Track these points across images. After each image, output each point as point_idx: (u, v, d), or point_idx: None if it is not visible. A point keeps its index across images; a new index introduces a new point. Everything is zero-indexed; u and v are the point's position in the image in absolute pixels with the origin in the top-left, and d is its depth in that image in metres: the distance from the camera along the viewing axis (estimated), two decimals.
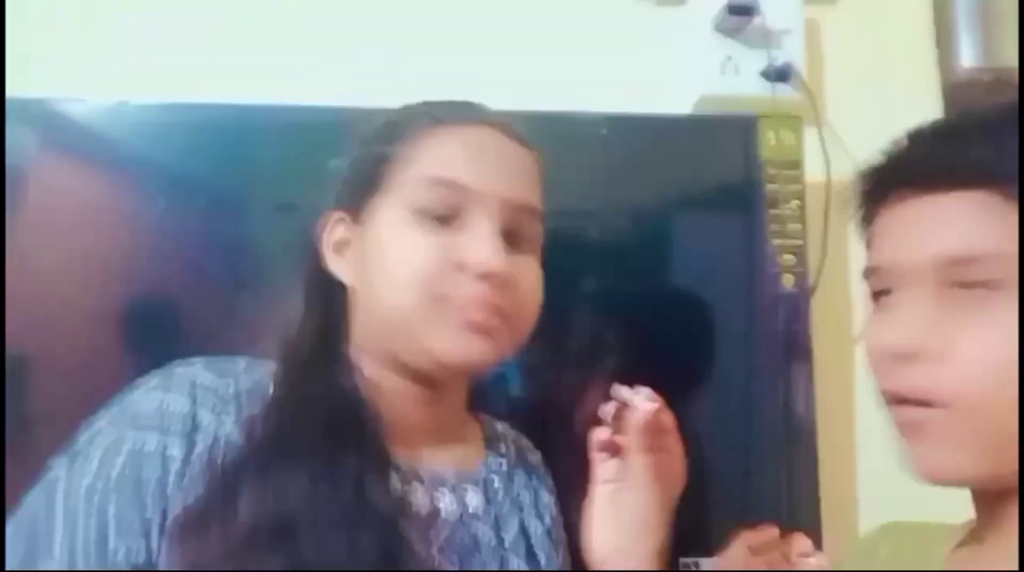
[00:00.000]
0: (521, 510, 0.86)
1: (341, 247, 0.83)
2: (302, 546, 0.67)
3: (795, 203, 1.33)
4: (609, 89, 1.40)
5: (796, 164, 1.35)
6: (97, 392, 0.76)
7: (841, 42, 1.51)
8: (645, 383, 0.81)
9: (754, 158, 1.33)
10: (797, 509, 1.29)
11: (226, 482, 0.70)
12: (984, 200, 0.58)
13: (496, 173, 0.79)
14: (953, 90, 1.49)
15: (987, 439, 0.57)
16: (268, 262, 1.20)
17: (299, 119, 1.25)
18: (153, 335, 1.19)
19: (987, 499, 0.64)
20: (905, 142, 0.65)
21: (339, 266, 0.83)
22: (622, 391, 0.81)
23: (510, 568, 0.81)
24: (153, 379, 0.75)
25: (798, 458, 1.30)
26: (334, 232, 0.83)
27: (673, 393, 1.27)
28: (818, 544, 1.26)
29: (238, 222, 1.25)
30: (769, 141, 1.34)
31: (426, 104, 0.84)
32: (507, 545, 0.83)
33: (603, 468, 0.83)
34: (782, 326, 1.32)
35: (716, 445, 1.29)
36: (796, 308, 1.33)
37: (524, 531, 0.84)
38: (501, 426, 0.94)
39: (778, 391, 1.31)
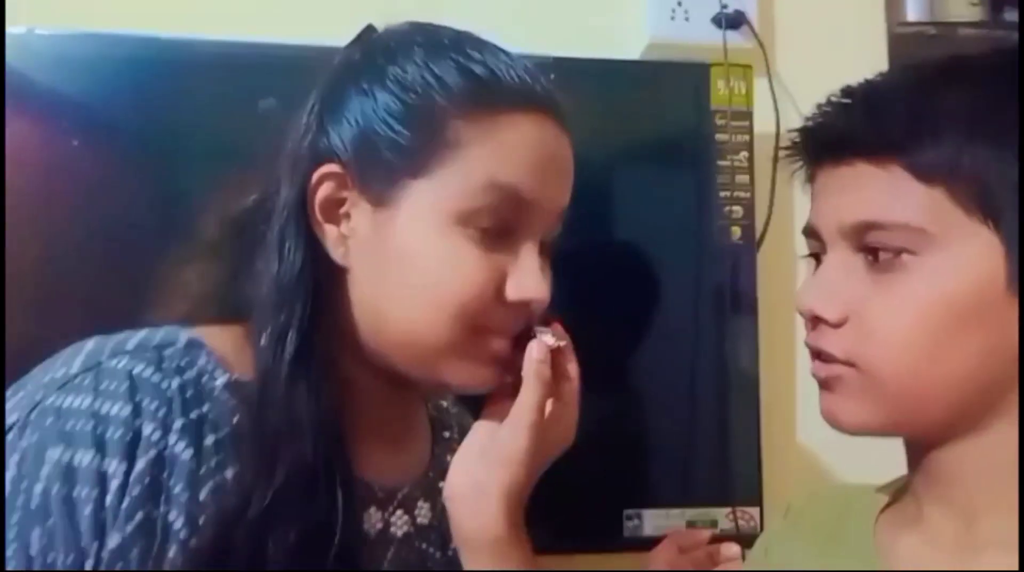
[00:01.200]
0: None
1: (337, 213, 0.70)
2: None
3: (743, 154, 1.32)
4: (557, 33, 1.36)
5: (746, 114, 1.33)
6: None
7: None
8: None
9: (705, 107, 1.31)
10: (738, 463, 1.30)
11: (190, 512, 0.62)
12: (884, 173, 0.61)
13: (553, 182, 0.71)
14: (898, 44, 1.49)
15: (886, 394, 0.61)
16: (197, 215, 1.11)
17: (233, 55, 1.18)
18: (68, 294, 1.09)
19: (915, 450, 0.66)
20: (828, 108, 0.66)
21: (333, 238, 0.70)
22: (536, 328, 0.73)
23: None
24: (79, 369, 0.63)
25: (740, 411, 1.31)
26: (329, 192, 0.70)
27: (616, 344, 1.29)
28: (758, 499, 1.29)
29: (163, 169, 1.15)
30: (719, 90, 1.32)
31: (462, 51, 0.70)
32: (450, 556, 0.78)
33: (491, 406, 0.74)
34: (728, 278, 1.32)
35: (659, 397, 1.30)
36: (742, 260, 1.32)
37: None
38: (446, 401, 0.89)
39: (722, 344, 1.31)
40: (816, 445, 1.39)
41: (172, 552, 0.62)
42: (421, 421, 0.84)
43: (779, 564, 0.76)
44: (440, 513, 0.78)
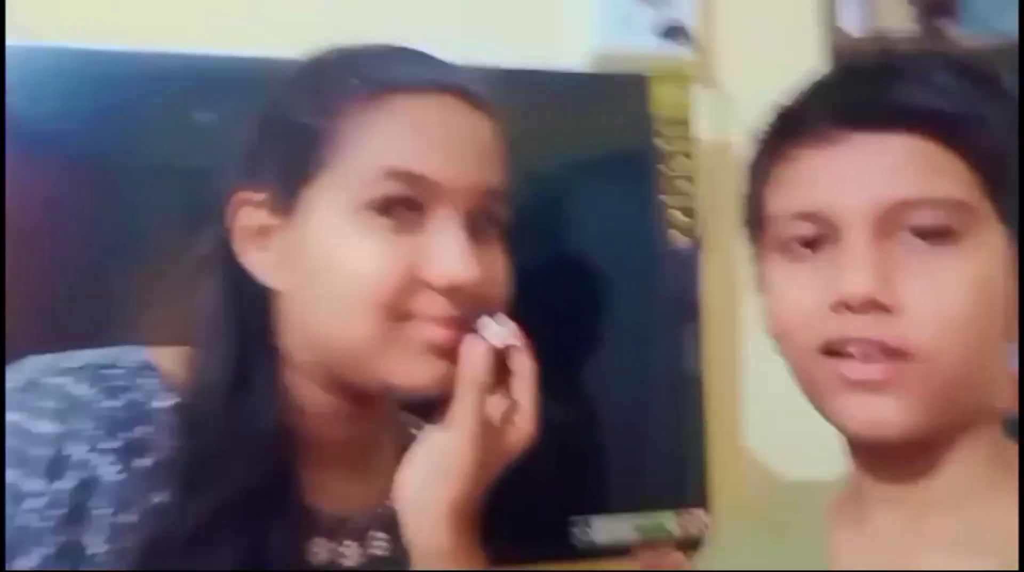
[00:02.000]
0: None
1: (259, 238, 0.69)
2: None
3: (685, 161, 1.34)
4: (500, 44, 1.36)
5: (686, 122, 1.35)
6: None
7: (731, 4, 1.51)
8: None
9: (646, 115, 1.32)
10: (685, 466, 1.31)
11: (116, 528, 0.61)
12: (922, 146, 0.57)
13: (461, 159, 0.67)
14: (838, 55, 1.51)
15: (943, 391, 0.57)
16: (147, 234, 1.07)
17: (175, 68, 1.14)
18: (34, 310, 1.03)
19: (874, 452, 0.63)
20: (830, 77, 0.63)
21: (259, 264, 0.69)
22: (481, 320, 0.68)
23: None
24: (17, 384, 0.62)
25: (686, 415, 1.32)
26: (248, 218, 0.69)
27: (560, 350, 1.28)
28: (705, 502, 1.30)
29: (109, 185, 1.11)
30: (660, 98, 1.33)
31: (357, 56, 0.70)
32: None
33: (441, 411, 0.70)
34: (671, 283, 1.33)
35: (604, 403, 1.30)
36: (685, 266, 1.33)
37: None
38: (415, 429, 0.84)
39: (666, 348, 1.32)
40: (762, 447, 1.41)
41: None
42: (386, 448, 0.81)
43: (728, 557, 0.76)
44: (398, 545, 0.76)
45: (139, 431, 0.64)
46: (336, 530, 0.74)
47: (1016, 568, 0.54)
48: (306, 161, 0.67)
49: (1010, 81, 0.60)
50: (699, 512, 1.28)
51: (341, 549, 0.74)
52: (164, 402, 0.67)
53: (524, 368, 0.70)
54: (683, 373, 1.32)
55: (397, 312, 0.65)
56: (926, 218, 0.56)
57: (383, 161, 0.65)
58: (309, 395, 0.71)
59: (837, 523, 0.69)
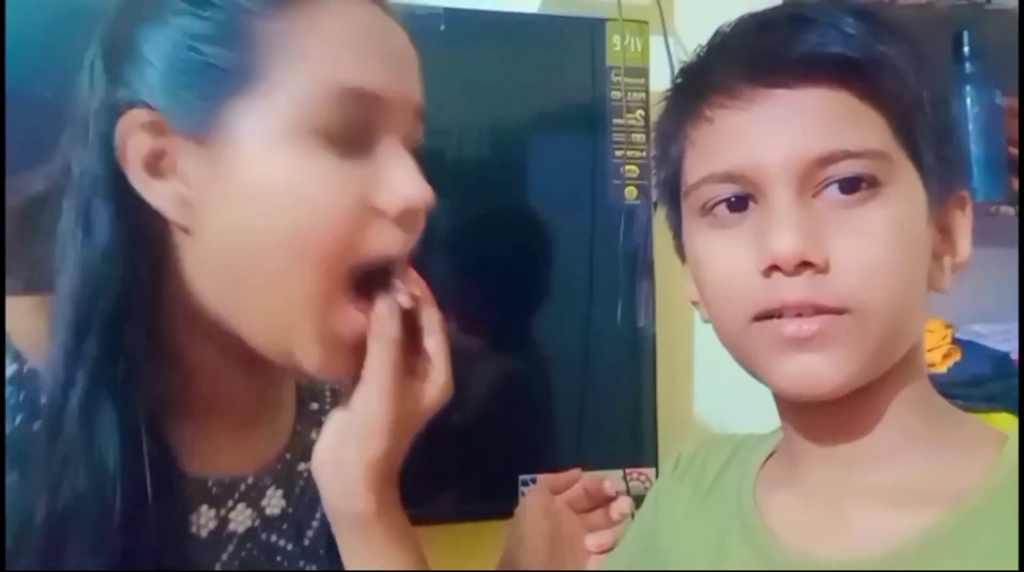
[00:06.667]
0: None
1: (155, 163, 0.59)
2: None
3: (639, 113, 1.30)
4: None
5: (642, 71, 1.31)
6: None
7: None
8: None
9: (600, 64, 1.28)
10: (635, 423, 1.29)
11: None
12: (836, 98, 0.56)
13: (399, 74, 0.62)
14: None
15: (876, 339, 0.56)
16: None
17: None
18: None
19: (802, 409, 0.62)
20: (736, 30, 0.61)
21: (159, 194, 0.59)
22: (395, 282, 0.65)
23: None
24: None
25: (637, 372, 1.30)
26: (139, 141, 0.59)
27: (510, 305, 1.26)
28: (654, 460, 1.28)
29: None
30: (615, 46, 1.29)
31: None
32: (306, 546, 0.72)
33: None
34: (624, 239, 1.30)
35: (554, 360, 1.28)
36: (639, 221, 1.30)
37: (326, 524, 0.69)
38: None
39: (619, 304, 1.29)
40: (712, 405, 1.40)
41: None
42: (283, 395, 0.75)
43: (666, 513, 0.75)
44: (297, 500, 0.72)
45: None
46: (224, 496, 0.68)
47: (1016, 568, 0.52)
48: (229, 77, 0.58)
49: (922, 35, 0.60)
50: (648, 472, 1.26)
51: (231, 516, 0.68)
52: (7, 367, 0.58)
53: (432, 321, 0.67)
54: (635, 330, 1.30)
55: (348, 267, 0.60)
56: (847, 170, 0.56)
57: (330, 77, 0.58)
58: (202, 355, 0.64)
59: (770, 479, 0.68)
